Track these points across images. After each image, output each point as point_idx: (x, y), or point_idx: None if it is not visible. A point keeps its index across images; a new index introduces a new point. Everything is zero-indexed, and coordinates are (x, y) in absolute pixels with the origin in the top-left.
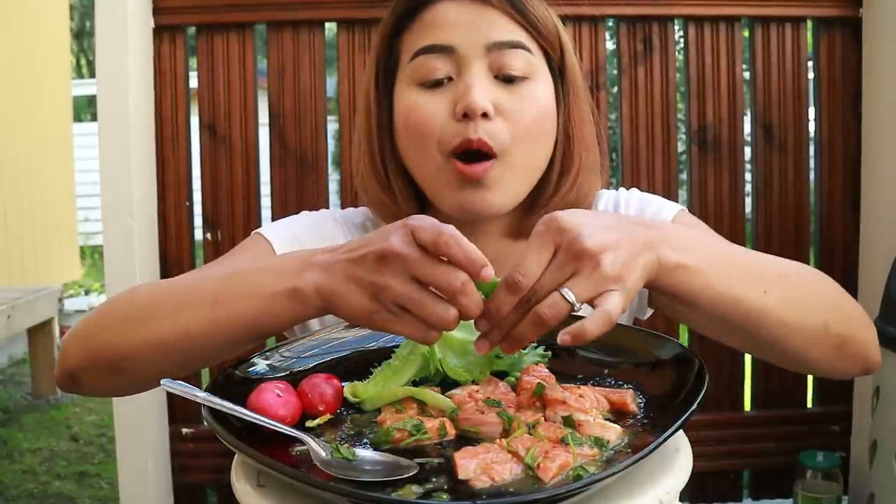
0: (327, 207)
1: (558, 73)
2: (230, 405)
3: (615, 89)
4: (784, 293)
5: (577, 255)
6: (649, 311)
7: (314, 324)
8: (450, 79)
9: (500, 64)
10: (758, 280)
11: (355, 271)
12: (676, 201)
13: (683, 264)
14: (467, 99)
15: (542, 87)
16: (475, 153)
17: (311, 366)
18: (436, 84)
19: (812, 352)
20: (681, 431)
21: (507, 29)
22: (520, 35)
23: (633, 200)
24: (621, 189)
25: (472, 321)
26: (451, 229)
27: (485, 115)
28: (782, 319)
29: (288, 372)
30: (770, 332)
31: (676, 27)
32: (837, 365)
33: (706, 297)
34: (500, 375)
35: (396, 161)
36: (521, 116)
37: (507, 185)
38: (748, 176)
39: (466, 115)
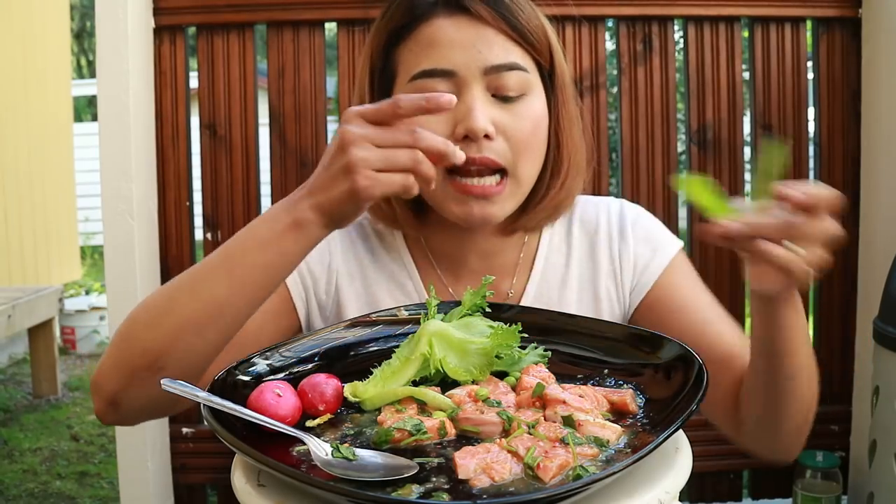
0: None
1: (549, 77)
2: (230, 405)
3: (615, 89)
4: (813, 369)
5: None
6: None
7: (316, 322)
8: None
9: (497, 85)
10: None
11: (330, 172)
12: (676, 201)
13: (797, 304)
14: (469, 122)
15: (536, 101)
16: (476, 169)
17: (311, 366)
18: None
19: (792, 429)
20: (681, 431)
21: (503, 49)
22: (515, 54)
23: (640, 227)
24: (624, 202)
25: (472, 322)
26: (392, 100)
27: (486, 136)
28: (808, 390)
29: (288, 372)
30: (794, 394)
31: (676, 27)
32: (790, 447)
33: (795, 340)
34: (500, 375)
35: None
36: (519, 133)
37: (511, 199)
38: (748, 176)
39: (468, 137)
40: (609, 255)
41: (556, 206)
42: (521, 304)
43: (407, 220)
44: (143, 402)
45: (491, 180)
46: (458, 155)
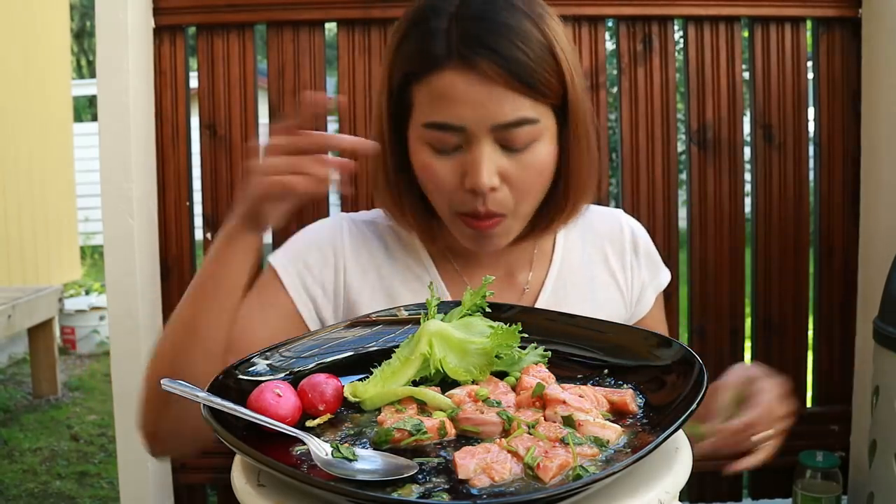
0: (327, 207)
1: (562, 110)
2: (230, 405)
3: (615, 89)
4: None
5: None
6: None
7: (328, 319)
8: (460, 146)
9: (505, 139)
10: None
11: (248, 180)
12: (676, 201)
13: None
14: (475, 177)
15: (543, 148)
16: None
17: (311, 366)
18: (447, 151)
19: None
20: (681, 431)
21: (513, 107)
22: (525, 108)
23: (648, 248)
24: (634, 222)
25: (472, 322)
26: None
27: (492, 189)
28: None
29: (288, 372)
30: None
31: (676, 27)
32: None
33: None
34: (500, 375)
35: (407, 177)
36: (524, 182)
37: (511, 232)
38: (748, 176)
39: (474, 190)
40: (622, 266)
41: (563, 223)
42: (540, 298)
43: (419, 228)
44: (174, 430)
45: (494, 220)
46: (369, 145)
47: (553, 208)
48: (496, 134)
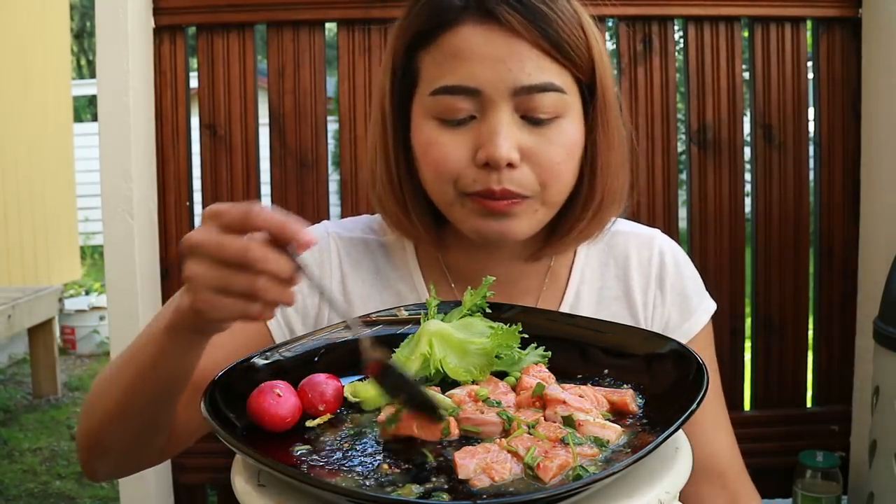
0: (327, 208)
1: (589, 94)
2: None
3: (615, 89)
4: None
5: None
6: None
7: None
8: (472, 116)
9: (527, 107)
10: None
11: (186, 272)
12: (676, 201)
13: None
14: (491, 148)
15: (571, 125)
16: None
17: (311, 366)
18: (457, 122)
19: None
20: (681, 431)
21: (537, 67)
22: (551, 72)
23: (679, 281)
24: (665, 239)
25: (472, 322)
26: (246, 208)
27: (510, 165)
28: None
29: (288, 372)
30: None
31: (676, 27)
32: None
33: None
34: (500, 375)
35: (413, 178)
36: (548, 160)
37: (533, 216)
38: (748, 176)
39: (489, 164)
40: (643, 301)
41: (585, 236)
42: None
43: (426, 235)
44: (103, 470)
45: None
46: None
47: (572, 216)
48: (517, 101)
